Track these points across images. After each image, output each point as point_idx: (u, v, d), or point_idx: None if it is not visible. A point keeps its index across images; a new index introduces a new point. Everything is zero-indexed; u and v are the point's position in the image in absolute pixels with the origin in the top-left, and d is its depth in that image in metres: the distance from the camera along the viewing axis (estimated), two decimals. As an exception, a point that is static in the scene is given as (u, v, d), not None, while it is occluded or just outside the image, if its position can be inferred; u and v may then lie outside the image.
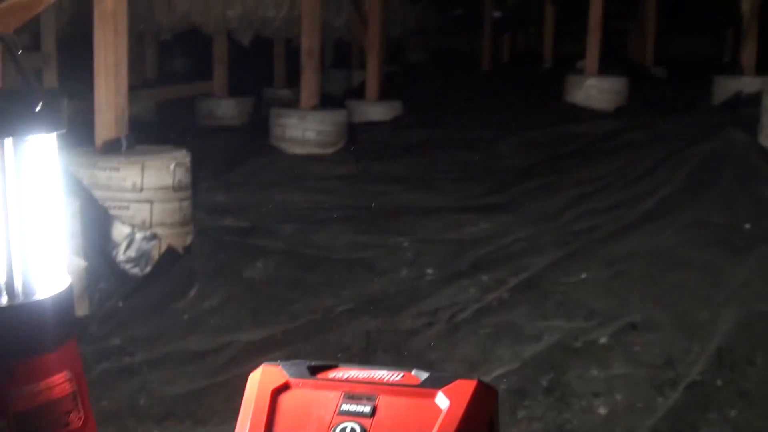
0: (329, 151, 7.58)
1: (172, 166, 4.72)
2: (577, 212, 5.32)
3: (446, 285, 4.43)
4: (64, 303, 1.21)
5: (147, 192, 4.63)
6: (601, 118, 8.41)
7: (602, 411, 3.39)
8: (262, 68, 12.43)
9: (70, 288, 1.23)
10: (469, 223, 5.34)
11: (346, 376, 1.18)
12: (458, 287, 4.37)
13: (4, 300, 1.16)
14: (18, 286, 1.17)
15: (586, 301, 4.12)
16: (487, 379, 3.62)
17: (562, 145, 7.44)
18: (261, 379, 1.17)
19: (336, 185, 6.61)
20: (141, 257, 4.52)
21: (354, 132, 8.18)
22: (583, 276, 4.38)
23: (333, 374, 1.19)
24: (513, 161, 7.15)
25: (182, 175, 4.82)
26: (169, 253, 4.68)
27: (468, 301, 4.21)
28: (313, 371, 1.19)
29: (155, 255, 4.60)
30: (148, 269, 4.54)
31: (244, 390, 1.19)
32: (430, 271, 4.68)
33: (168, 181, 4.71)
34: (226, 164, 7.27)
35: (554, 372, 3.60)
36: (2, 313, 1.15)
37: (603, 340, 3.78)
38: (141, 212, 4.62)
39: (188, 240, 4.89)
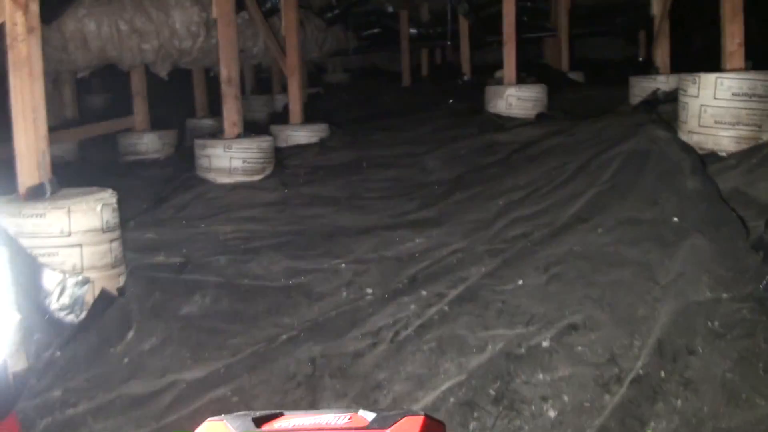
0: (257, 178, 7.54)
1: (99, 208, 4.63)
2: (507, 220, 5.36)
3: (387, 303, 4.43)
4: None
5: (75, 236, 4.54)
6: (523, 125, 8.51)
7: (552, 414, 3.43)
8: (183, 99, 12.33)
9: (5, 363, 1.19)
10: (404, 239, 5.35)
11: (292, 425, 1.15)
12: (399, 304, 4.37)
13: None
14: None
15: (526, 306, 4.16)
16: (435, 393, 3.65)
17: (488, 154, 7.51)
18: None
19: (267, 212, 6.57)
20: (75, 303, 4.41)
21: (281, 157, 8.15)
22: (520, 282, 4.42)
23: (278, 424, 1.16)
24: (441, 174, 7.20)
25: (110, 216, 4.73)
26: (103, 297, 4.59)
27: (410, 318, 4.21)
28: (259, 422, 1.16)
29: (89, 300, 4.50)
30: (82, 315, 4.43)
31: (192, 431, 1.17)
32: (369, 290, 4.68)
33: (96, 223, 4.62)
34: (153, 199, 7.17)
35: (501, 380, 3.62)
36: None
37: (546, 344, 3.82)
38: (71, 257, 4.52)
39: (121, 281, 4.80)
